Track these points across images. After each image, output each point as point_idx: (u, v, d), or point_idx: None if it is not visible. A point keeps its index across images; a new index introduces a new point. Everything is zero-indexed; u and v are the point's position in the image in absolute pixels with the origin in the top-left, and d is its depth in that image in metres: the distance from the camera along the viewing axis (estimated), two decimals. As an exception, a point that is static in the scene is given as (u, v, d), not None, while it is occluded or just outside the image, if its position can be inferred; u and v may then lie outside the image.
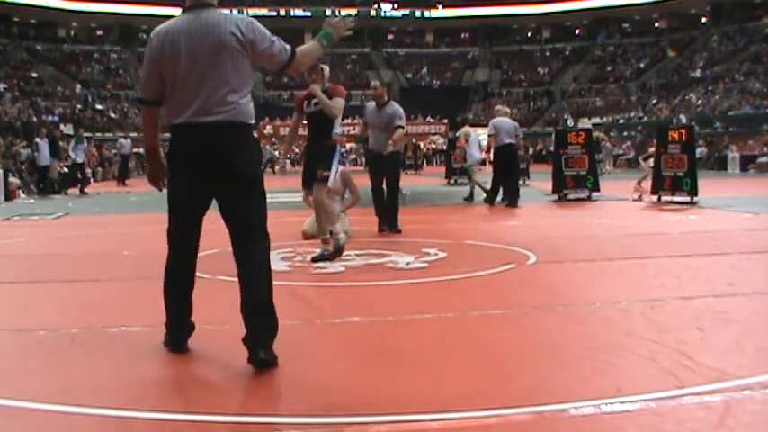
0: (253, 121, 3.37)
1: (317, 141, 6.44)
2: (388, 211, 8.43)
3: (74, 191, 19.75)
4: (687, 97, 43.35)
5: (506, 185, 12.30)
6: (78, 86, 47.75)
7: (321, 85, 6.29)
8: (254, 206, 3.32)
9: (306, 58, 3.46)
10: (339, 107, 6.26)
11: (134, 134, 37.67)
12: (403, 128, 8.34)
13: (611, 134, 31.88)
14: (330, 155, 6.36)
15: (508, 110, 14.11)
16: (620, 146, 32.68)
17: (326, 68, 6.41)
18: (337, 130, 6.39)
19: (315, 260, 6.18)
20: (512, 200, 12.14)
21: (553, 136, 19.23)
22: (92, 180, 25.21)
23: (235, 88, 3.25)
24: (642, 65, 52.26)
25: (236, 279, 3.27)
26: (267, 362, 3.12)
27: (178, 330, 3.51)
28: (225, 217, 3.34)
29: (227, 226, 3.32)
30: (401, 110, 8.37)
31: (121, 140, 28.70)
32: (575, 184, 13.49)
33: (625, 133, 38.28)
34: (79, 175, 20.80)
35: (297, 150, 31.96)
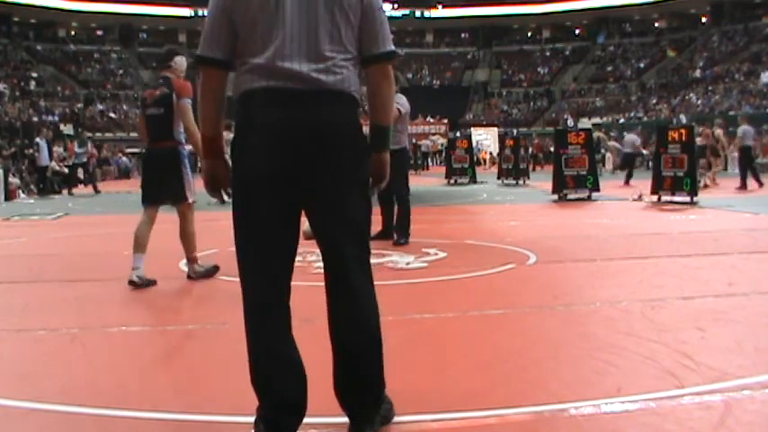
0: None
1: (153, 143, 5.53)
2: (397, 219, 7.47)
3: (79, 191, 19.77)
4: (687, 97, 43.33)
5: None
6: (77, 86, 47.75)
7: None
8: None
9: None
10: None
11: (134, 134, 37.60)
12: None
13: (612, 134, 31.82)
14: (177, 164, 5.42)
15: None
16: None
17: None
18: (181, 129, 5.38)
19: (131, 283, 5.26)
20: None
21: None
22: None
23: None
24: (642, 65, 52.24)
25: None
26: None
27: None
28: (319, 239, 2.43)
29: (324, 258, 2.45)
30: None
31: None
32: (575, 184, 13.52)
33: (625, 133, 38.22)
34: (85, 175, 21.06)
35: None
